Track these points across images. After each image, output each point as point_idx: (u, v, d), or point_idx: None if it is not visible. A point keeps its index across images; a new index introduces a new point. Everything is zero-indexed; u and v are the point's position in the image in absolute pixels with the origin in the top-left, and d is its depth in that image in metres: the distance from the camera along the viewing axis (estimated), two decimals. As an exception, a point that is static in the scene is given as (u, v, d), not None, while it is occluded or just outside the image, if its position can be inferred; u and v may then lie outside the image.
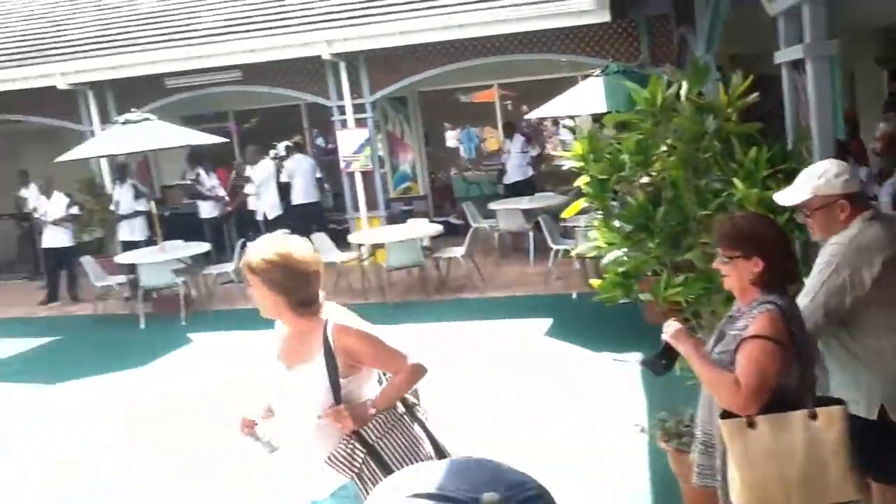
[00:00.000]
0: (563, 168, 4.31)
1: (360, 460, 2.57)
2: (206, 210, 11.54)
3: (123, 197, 10.66)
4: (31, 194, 11.95)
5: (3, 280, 12.54)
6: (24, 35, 12.41)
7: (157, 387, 6.96)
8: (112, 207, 10.73)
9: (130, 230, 10.63)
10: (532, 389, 5.97)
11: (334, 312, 2.68)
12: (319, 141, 14.56)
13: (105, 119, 11.37)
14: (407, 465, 2.39)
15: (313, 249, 2.66)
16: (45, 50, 11.74)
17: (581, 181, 4.06)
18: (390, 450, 2.61)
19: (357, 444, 2.58)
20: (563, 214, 5.01)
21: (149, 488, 4.99)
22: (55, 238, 10.60)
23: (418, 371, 2.68)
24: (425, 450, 2.67)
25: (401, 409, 2.71)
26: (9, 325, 9.80)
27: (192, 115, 12.79)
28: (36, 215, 10.95)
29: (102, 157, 10.72)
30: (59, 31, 12.27)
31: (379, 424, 2.62)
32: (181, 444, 5.57)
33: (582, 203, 4.15)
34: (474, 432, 4.97)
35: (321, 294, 2.67)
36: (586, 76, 8.38)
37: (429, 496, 0.80)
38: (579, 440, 5.00)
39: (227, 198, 11.71)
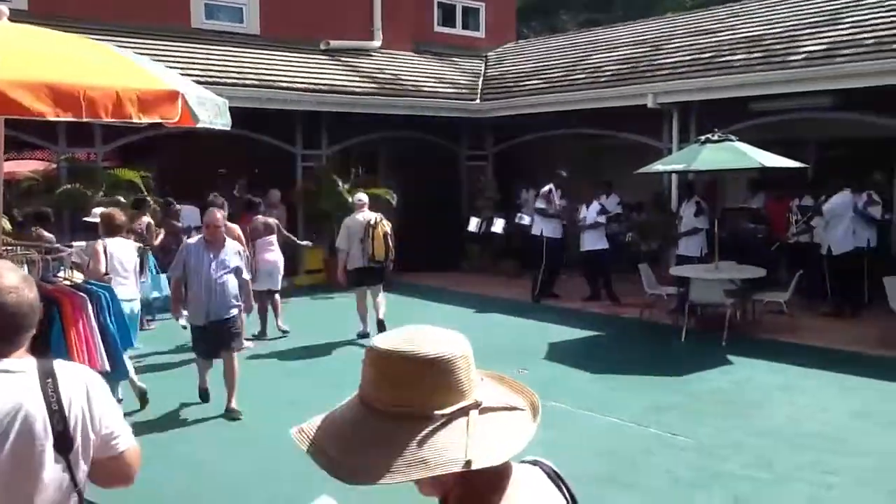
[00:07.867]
0: None
1: None
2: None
3: (686, 213, 10.94)
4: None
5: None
6: (625, 58, 13.63)
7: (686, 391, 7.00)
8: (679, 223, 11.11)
9: (686, 245, 10.86)
10: None
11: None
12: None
13: (684, 138, 11.79)
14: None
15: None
16: (641, 71, 12.70)
17: None
18: None
19: None
20: None
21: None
22: (590, 241, 11.66)
23: None
24: None
25: None
26: (566, 314, 10.89)
27: (774, 139, 12.43)
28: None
29: (677, 172, 11.01)
30: (655, 54, 13.14)
31: None
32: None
33: None
34: None
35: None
36: None
37: None
38: None
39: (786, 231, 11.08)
